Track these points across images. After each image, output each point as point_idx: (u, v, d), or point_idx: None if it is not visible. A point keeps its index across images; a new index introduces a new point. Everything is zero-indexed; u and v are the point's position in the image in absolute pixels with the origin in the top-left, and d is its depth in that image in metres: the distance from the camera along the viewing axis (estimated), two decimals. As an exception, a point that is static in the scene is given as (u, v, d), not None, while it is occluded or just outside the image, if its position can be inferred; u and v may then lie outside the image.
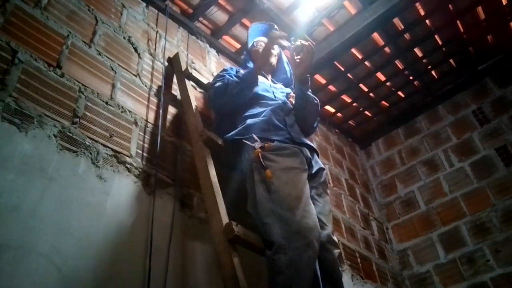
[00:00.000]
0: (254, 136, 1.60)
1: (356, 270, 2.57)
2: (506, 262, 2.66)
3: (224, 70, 2.01)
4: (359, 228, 2.94)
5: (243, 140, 1.61)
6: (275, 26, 2.25)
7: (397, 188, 3.45)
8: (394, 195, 3.44)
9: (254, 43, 2.15)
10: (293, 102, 1.90)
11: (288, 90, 2.03)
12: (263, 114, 1.72)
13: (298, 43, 1.85)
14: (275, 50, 2.10)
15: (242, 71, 1.93)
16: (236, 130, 1.69)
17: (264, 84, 1.92)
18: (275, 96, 1.88)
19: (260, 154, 1.51)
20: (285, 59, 2.22)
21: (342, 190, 3.08)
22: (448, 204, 3.08)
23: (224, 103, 1.81)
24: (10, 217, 1.15)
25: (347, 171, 3.36)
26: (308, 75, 1.88)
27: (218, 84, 1.84)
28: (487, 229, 2.82)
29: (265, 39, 2.11)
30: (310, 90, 1.89)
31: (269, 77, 2.07)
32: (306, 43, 1.82)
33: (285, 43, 1.88)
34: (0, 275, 1.05)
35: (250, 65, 2.05)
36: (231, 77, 1.85)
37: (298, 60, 1.83)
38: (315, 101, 1.89)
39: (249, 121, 1.70)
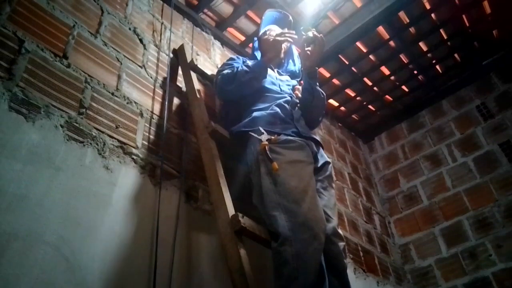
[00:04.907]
0: (261, 128, 1.60)
1: (358, 263, 2.59)
2: (508, 257, 2.67)
3: (232, 59, 1.99)
4: (361, 222, 2.94)
5: (250, 133, 1.61)
6: (290, 17, 2.23)
7: (399, 182, 3.45)
8: (397, 189, 3.44)
9: (266, 32, 2.08)
10: (299, 94, 1.89)
11: (294, 82, 2.02)
12: (270, 108, 1.72)
13: (310, 34, 1.81)
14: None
15: (249, 62, 1.89)
16: (243, 122, 1.69)
17: (270, 77, 1.90)
18: (281, 90, 1.87)
19: (267, 147, 1.51)
20: (295, 52, 2.20)
21: (345, 184, 3.08)
22: (451, 199, 3.08)
23: (231, 90, 1.78)
24: (19, 206, 1.15)
25: (350, 165, 3.36)
26: (317, 68, 1.86)
27: (226, 71, 1.82)
28: (489, 224, 2.82)
29: (277, 29, 2.09)
30: (318, 84, 1.87)
31: (275, 68, 2.06)
32: (319, 35, 1.80)
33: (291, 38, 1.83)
34: (9, 264, 1.06)
35: (258, 54, 2.01)
36: (240, 65, 1.82)
37: (308, 52, 1.81)
38: (322, 95, 1.87)
39: (255, 113, 1.69)
